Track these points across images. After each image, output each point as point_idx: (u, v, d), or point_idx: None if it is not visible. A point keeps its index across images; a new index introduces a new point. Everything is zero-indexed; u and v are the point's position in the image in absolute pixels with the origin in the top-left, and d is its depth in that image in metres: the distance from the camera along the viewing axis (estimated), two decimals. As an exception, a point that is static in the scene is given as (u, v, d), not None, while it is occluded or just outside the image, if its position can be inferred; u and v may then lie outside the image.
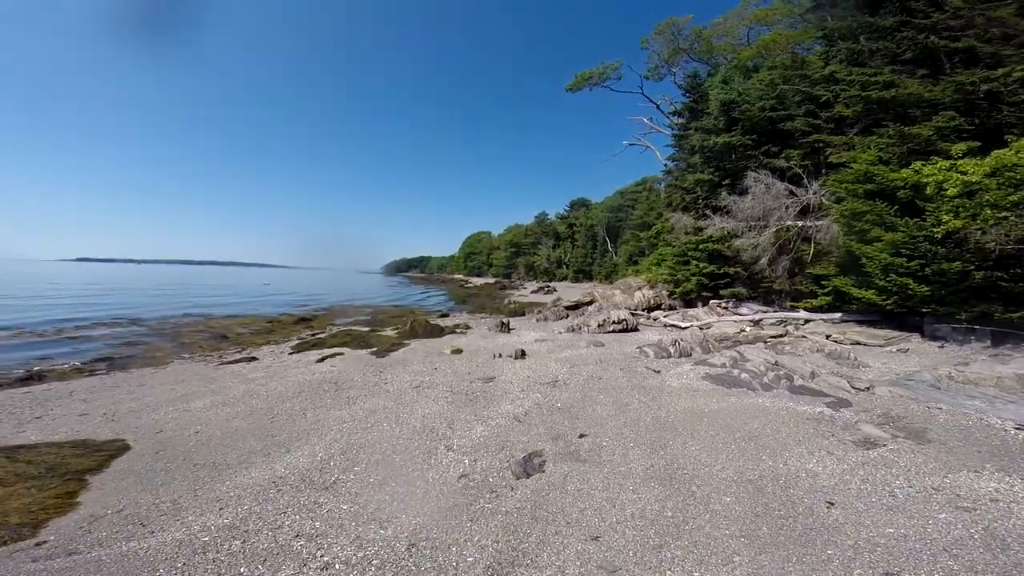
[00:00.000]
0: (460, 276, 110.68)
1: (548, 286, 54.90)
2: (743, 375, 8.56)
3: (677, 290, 18.53)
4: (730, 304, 16.22)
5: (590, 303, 21.86)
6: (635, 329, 15.26)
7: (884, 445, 5.75)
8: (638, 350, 11.68)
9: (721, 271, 16.62)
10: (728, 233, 16.43)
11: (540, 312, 22.49)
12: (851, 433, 6.21)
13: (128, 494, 5.09)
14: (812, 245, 14.47)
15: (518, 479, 5.02)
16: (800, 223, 14.74)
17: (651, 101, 34.80)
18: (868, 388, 7.89)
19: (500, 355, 11.67)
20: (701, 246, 17.08)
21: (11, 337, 17.33)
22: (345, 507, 4.66)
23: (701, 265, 16.98)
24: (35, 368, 12.39)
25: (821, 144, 16.06)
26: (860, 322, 12.61)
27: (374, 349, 13.72)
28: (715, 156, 19.11)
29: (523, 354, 11.62)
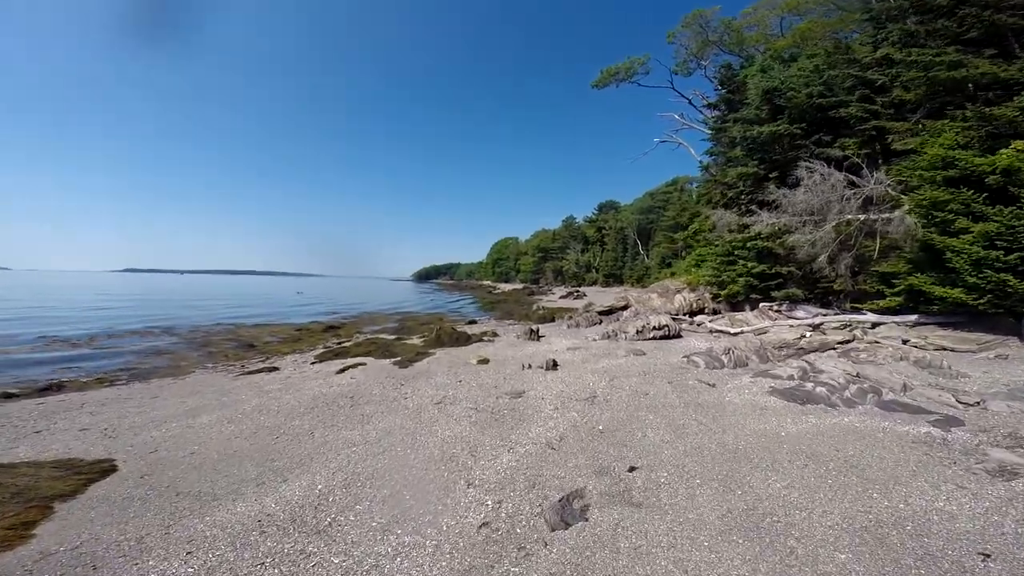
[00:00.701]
0: (488, 282, 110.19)
1: (577, 291, 53.56)
2: (819, 389, 7.28)
3: (722, 293, 17.08)
4: (783, 307, 14.73)
5: (625, 308, 20.60)
6: (678, 336, 13.98)
7: (1027, 476, 4.46)
8: (685, 359, 10.45)
9: (772, 271, 15.13)
10: (779, 229, 14.97)
11: (571, 318, 21.34)
12: (977, 459, 4.93)
13: (92, 527, 4.36)
14: (878, 240, 12.93)
15: (553, 530, 3.97)
16: (862, 216, 13.22)
17: (682, 96, 33.29)
18: (979, 403, 6.51)
19: (530, 366, 10.65)
20: (749, 244, 15.63)
21: (44, 347, 17.42)
22: (336, 561, 3.74)
23: (750, 265, 15.51)
24: (58, 379, 12.26)
25: (881, 131, 14.51)
26: (942, 324, 11.02)
27: (397, 359, 12.93)
28: (759, 148, 17.66)
29: (555, 364, 10.56)
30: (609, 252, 69.83)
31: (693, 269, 22.29)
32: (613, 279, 66.32)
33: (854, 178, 13.17)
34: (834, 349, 10.25)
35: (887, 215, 12.72)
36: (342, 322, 26.88)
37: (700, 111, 32.61)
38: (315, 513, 4.56)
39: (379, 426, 7.07)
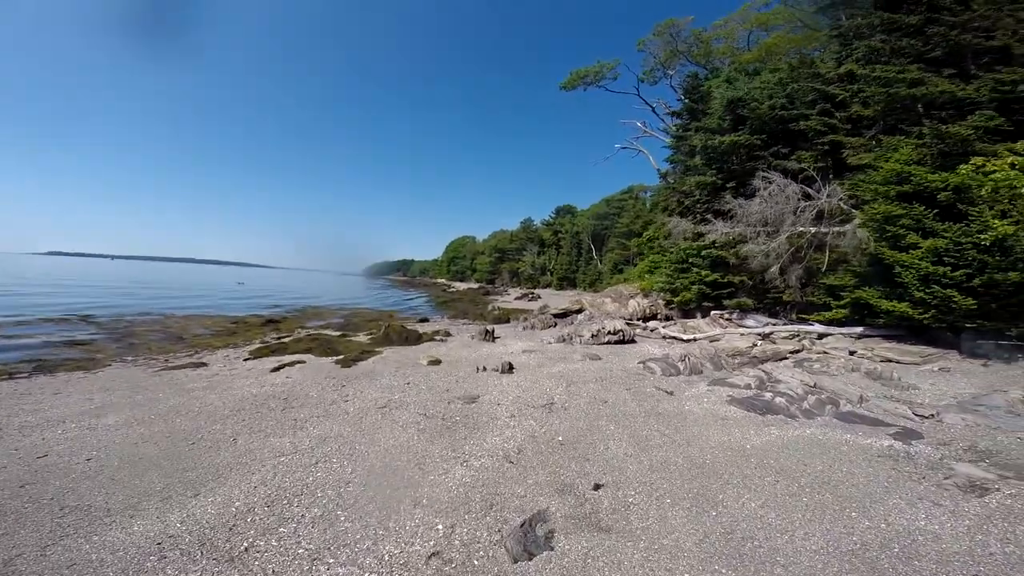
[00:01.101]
0: (443, 280, 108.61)
1: (532, 293, 53.47)
2: (778, 399, 7.16)
3: (675, 299, 17.19)
4: (734, 315, 14.94)
5: (579, 311, 20.44)
6: (632, 341, 13.84)
7: (998, 489, 4.38)
8: (641, 365, 10.23)
9: (725, 280, 15.33)
10: (733, 239, 15.19)
11: (526, 320, 20.98)
12: (945, 474, 4.84)
13: (-57, 547, 3.49)
14: (827, 253, 13.30)
15: (516, 561, 3.44)
16: (813, 229, 13.57)
17: (646, 103, 33.78)
18: (933, 415, 6.55)
19: (484, 368, 10.10)
20: (704, 252, 15.78)
21: (-71, 335, 15.32)
22: (250, 600, 3.07)
23: (703, 273, 15.65)
24: (-58, 371, 10.65)
25: (836, 145, 14.99)
26: (886, 337, 11.39)
27: (340, 357, 12.05)
28: (718, 157, 17.93)
29: (511, 368, 10.06)
30: (564, 256, 70.29)
31: (646, 275, 22.49)
32: (567, 282, 66.78)
33: (809, 190, 13.50)
34: (786, 358, 10.35)
35: (838, 228, 13.09)
36: (283, 316, 25.34)
37: (662, 119, 33.22)
38: (229, 536, 3.85)
39: (313, 433, 6.31)
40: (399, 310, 32.38)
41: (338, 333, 18.08)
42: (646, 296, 19.14)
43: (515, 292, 59.11)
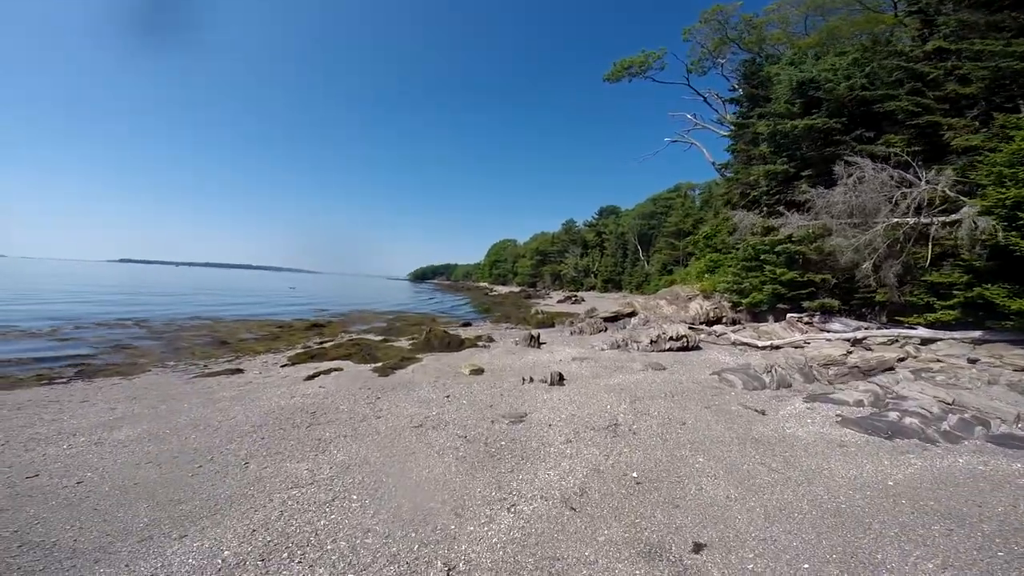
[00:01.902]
0: (485, 284, 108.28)
1: (576, 296, 51.87)
2: (908, 419, 5.67)
3: (744, 301, 15.43)
4: (815, 319, 13.13)
5: (631, 315, 18.97)
6: (697, 347, 12.33)
7: None
8: (716, 377, 8.81)
9: (804, 278, 13.51)
10: (812, 233, 13.38)
11: (572, 324, 19.73)
12: None
13: None
14: (930, 246, 11.35)
15: None
16: (911, 220, 11.64)
17: (698, 93, 31.64)
18: None
19: (531, 379, 8.95)
20: (778, 248, 14.00)
21: (-1, 335, 15.82)
22: None
23: (778, 271, 13.85)
24: (-9, 373, 10.70)
25: (934, 127, 13.00)
26: (1013, 342, 9.42)
27: (378, 365, 11.26)
28: (789, 144, 16.08)
29: (561, 379, 8.87)
30: (608, 257, 68.19)
31: (706, 275, 20.69)
32: (612, 284, 64.68)
33: (909, 176, 11.58)
34: (892, 368, 8.65)
35: (944, 218, 11.14)
36: (329, 320, 25.14)
37: (715, 109, 31.05)
38: (202, 608, 2.91)
39: (337, 458, 5.37)
40: (442, 314, 31.81)
41: (380, 338, 17.46)
42: (707, 298, 17.45)
43: (557, 295, 57.67)
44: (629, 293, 55.80)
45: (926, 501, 4.01)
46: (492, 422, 6.39)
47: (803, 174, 15.36)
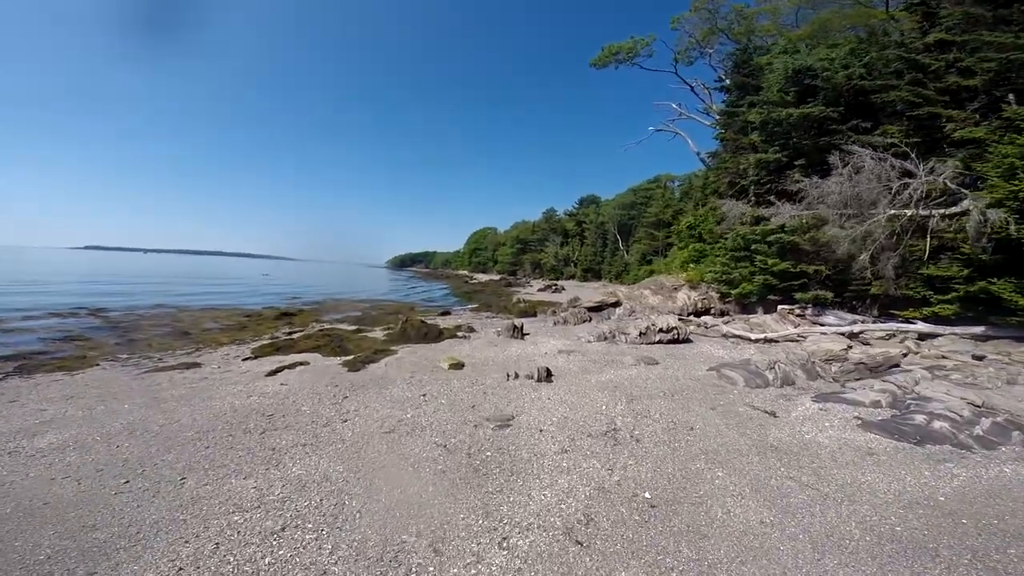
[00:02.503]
0: (464, 272, 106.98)
1: (556, 284, 51.33)
2: (937, 423, 5.13)
3: (733, 292, 14.94)
4: (808, 311, 12.72)
5: (615, 304, 18.36)
6: (687, 340, 11.77)
7: None
8: (715, 373, 8.21)
9: (797, 269, 13.09)
10: (806, 223, 12.90)
11: (555, 313, 19.07)
12: None
13: None
14: (928, 239, 10.99)
15: None
16: (908, 212, 11.25)
17: (684, 82, 31.07)
18: None
19: (516, 375, 8.21)
20: (770, 238, 13.51)
21: (-77, 328, 14.40)
22: None
23: (770, 261, 13.34)
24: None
25: (932, 118, 12.69)
26: (1019, 339, 9.10)
27: (349, 358, 10.38)
28: (782, 133, 15.59)
29: (548, 374, 8.16)
30: (588, 246, 67.78)
31: (691, 265, 20.24)
32: (591, 274, 64.40)
33: (910, 167, 11.15)
34: (897, 365, 8.19)
35: (944, 211, 10.77)
36: (301, 308, 23.96)
37: (702, 99, 30.56)
38: None
39: (292, 473, 4.56)
40: (420, 302, 30.84)
41: (353, 328, 16.47)
42: (694, 288, 16.96)
43: (538, 283, 57.05)
44: (609, 282, 55.44)
45: (988, 519, 3.44)
46: (475, 426, 5.62)
47: (796, 163, 14.90)
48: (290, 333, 15.76)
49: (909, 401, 5.90)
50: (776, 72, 16.53)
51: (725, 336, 12.24)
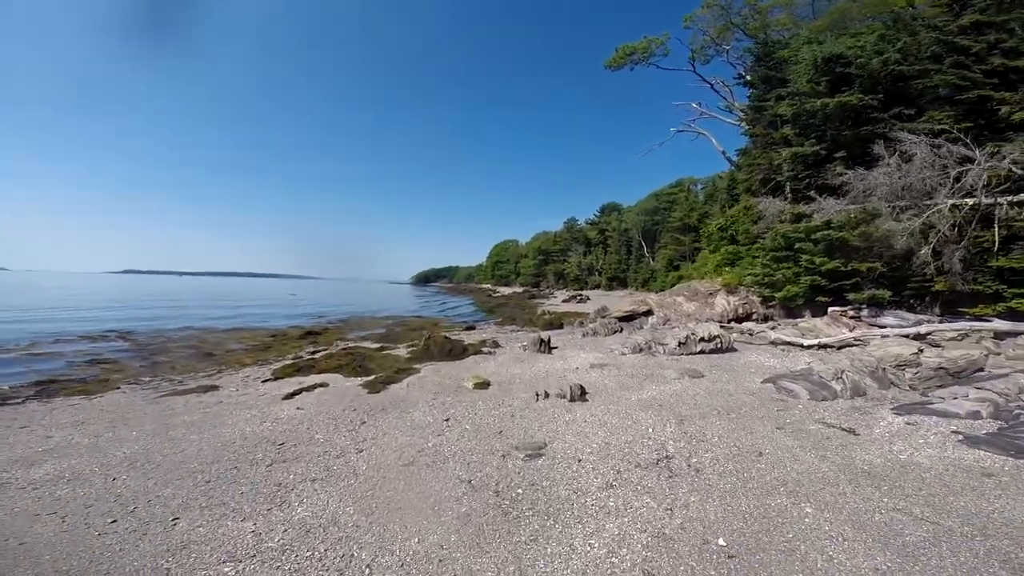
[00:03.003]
0: (487, 285, 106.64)
1: (580, 294, 50.37)
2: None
3: (777, 295, 13.85)
4: (863, 312, 11.62)
5: (647, 313, 17.45)
6: (731, 349, 10.86)
7: None
8: (772, 386, 7.34)
9: (848, 268, 12.01)
10: (855, 218, 11.86)
11: (584, 324, 18.27)
12: None
13: None
14: (996, 228, 9.90)
15: None
16: (970, 201, 10.18)
17: (704, 80, 30.06)
18: None
19: (546, 393, 7.49)
20: (817, 235, 12.43)
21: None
22: None
23: (818, 260, 12.24)
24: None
25: (983, 101, 11.64)
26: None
27: (370, 379, 9.84)
28: (817, 124, 14.60)
29: (583, 392, 7.42)
30: (612, 255, 66.59)
31: (726, 268, 19.17)
32: (617, 282, 63.19)
33: (968, 152, 10.11)
34: (982, 370, 7.17)
35: (1011, 197, 9.69)
36: (326, 327, 23.77)
37: (723, 97, 29.51)
38: None
39: (296, 514, 3.95)
40: (444, 317, 30.41)
41: (376, 346, 16.02)
42: (731, 293, 15.93)
43: (562, 294, 56.16)
44: (635, 290, 54.22)
45: None
46: (503, 456, 4.92)
47: (836, 156, 13.87)
48: (313, 352, 15.42)
49: (1020, 412, 4.97)
50: (804, 62, 15.60)
51: (773, 343, 11.26)
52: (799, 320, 12.38)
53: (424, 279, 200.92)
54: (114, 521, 3.94)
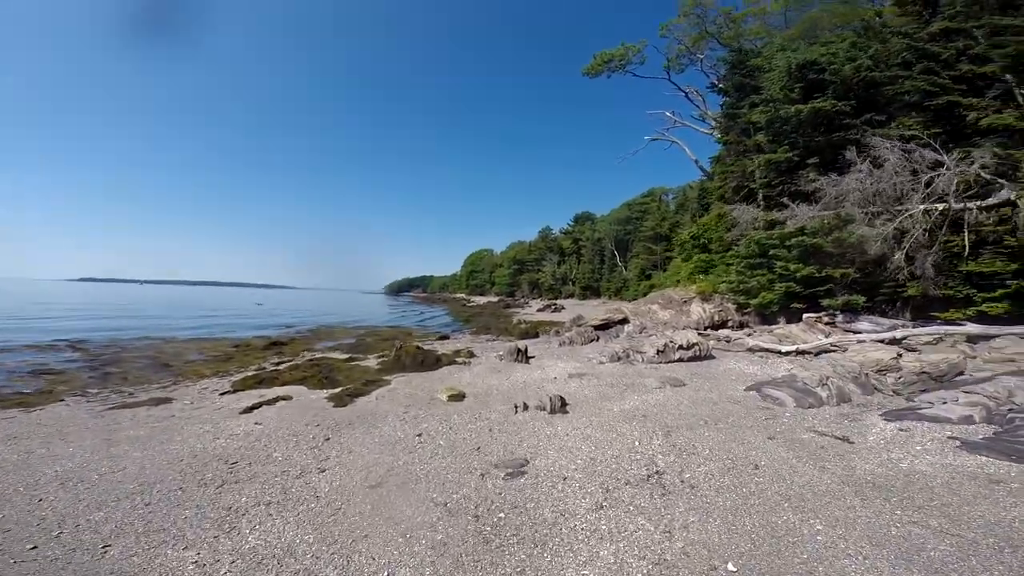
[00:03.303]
0: (462, 295, 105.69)
1: (555, 303, 50.34)
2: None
3: (752, 302, 13.85)
4: (837, 318, 11.68)
5: (623, 321, 17.30)
6: (710, 356, 10.71)
7: None
8: (756, 393, 7.14)
9: (823, 274, 12.10)
10: (828, 224, 11.95)
11: (558, 333, 18.02)
12: None
13: None
14: (966, 233, 10.08)
15: None
16: (940, 206, 10.36)
17: (679, 88, 30.47)
18: None
19: (525, 405, 7.09)
20: (791, 241, 12.53)
21: None
22: None
23: (792, 267, 12.33)
24: None
25: (951, 107, 11.96)
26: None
27: (337, 390, 9.27)
28: (790, 131, 14.81)
29: (563, 404, 7.06)
30: (586, 264, 66.96)
31: (700, 276, 19.24)
32: (590, 291, 63.43)
33: (940, 157, 10.29)
34: (962, 373, 7.15)
35: (980, 203, 9.89)
36: (293, 337, 22.83)
37: (696, 106, 29.98)
38: None
39: (247, 543, 3.46)
40: (418, 327, 29.72)
41: (345, 357, 15.35)
42: (706, 300, 15.92)
43: (537, 303, 56.02)
44: (608, 299, 54.43)
45: None
46: (482, 476, 4.49)
47: (808, 162, 14.07)
48: (278, 364, 14.66)
49: (1013, 415, 4.85)
50: (778, 69, 15.86)
51: (751, 350, 11.16)
52: (774, 327, 12.38)
53: (398, 289, 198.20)
54: (34, 547, 3.45)
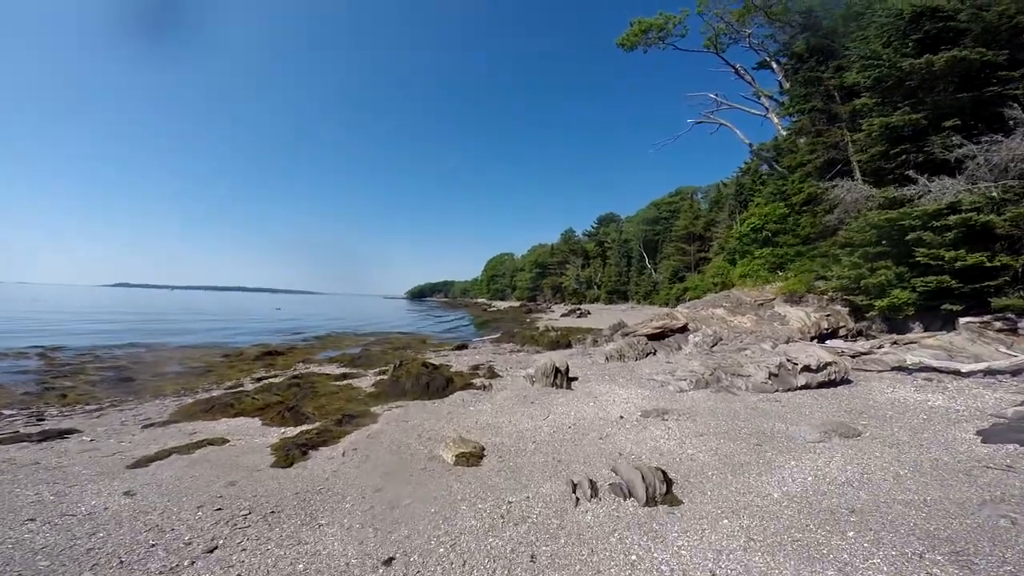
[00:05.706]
0: (483, 300, 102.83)
1: (580, 308, 46.90)
2: None
3: (878, 303, 10.02)
4: (1021, 324, 8.01)
5: (682, 330, 13.81)
6: (845, 380, 7.31)
7: None
8: (1006, 448, 3.79)
9: (996, 262, 8.41)
10: (997, 197, 8.34)
11: (598, 343, 14.82)
12: None
13: None
14: None
15: None
16: None
17: (728, 64, 26.59)
18: None
19: (592, 485, 3.85)
20: (947, 221, 8.67)
21: None
22: None
23: (947, 255, 8.55)
24: None
25: None
26: None
27: (298, 431, 6.21)
28: (915, 88, 11.16)
29: (668, 487, 3.81)
30: (612, 267, 63.01)
31: (779, 273, 15.60)
32: (617, 295, 59.55)
33: None
34: None
35: None
36: (294, 345, 20.21)
37: (750, 83, 26.11)
38: None
39: None
40: (434, 333, 26.80)
41: (340, 371, 12.39)
42: (795, 302, 12.33)
43: (560, 308, 52.65)
44: (637, 303, 50.65)
45: None
46: None
47: (945, 124, 10.42)
48: (259, 379, 11.89)
49: None
50: (877, 23, 12.31)
51: (902, 369, 7.66)
52: (922, 336, 8.75)
53: (419, 293, 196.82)
54: None
